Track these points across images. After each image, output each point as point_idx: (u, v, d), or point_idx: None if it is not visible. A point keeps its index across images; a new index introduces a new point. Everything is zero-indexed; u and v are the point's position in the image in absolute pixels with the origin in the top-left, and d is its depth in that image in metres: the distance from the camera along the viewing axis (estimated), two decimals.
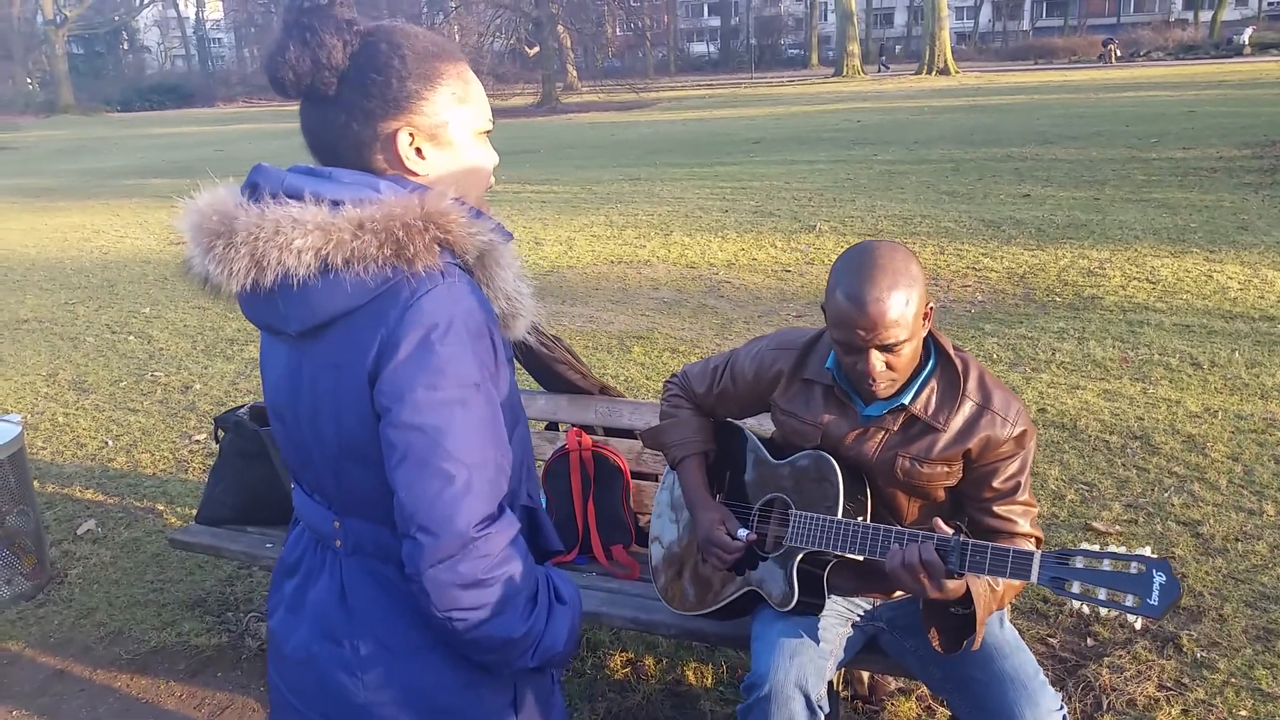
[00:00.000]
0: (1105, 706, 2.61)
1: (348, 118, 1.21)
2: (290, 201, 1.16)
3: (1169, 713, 2.57)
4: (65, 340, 6.86)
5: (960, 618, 1.80)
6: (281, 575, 1.42)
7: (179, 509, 4.09)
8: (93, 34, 56.28)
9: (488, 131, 1.31)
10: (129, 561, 3.67)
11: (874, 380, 1.81)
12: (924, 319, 1.82)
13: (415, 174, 1.24)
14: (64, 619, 3.32)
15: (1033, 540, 1.91)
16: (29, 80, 54.30)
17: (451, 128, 1.25)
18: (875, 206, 10.16)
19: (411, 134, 1.22)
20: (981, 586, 1.77)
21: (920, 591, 1.71)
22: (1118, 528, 3.50)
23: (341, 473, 1.26)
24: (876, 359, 1.78)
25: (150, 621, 3.26)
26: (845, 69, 39.78)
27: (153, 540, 3.81)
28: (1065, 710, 1.87)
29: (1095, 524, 3.53)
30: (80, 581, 3.55)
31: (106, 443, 4.88)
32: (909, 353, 1.80)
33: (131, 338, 6.83)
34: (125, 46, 65.68)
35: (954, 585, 1.70)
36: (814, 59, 56.18)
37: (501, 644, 1.22)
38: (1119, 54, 43.17)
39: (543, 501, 1.59)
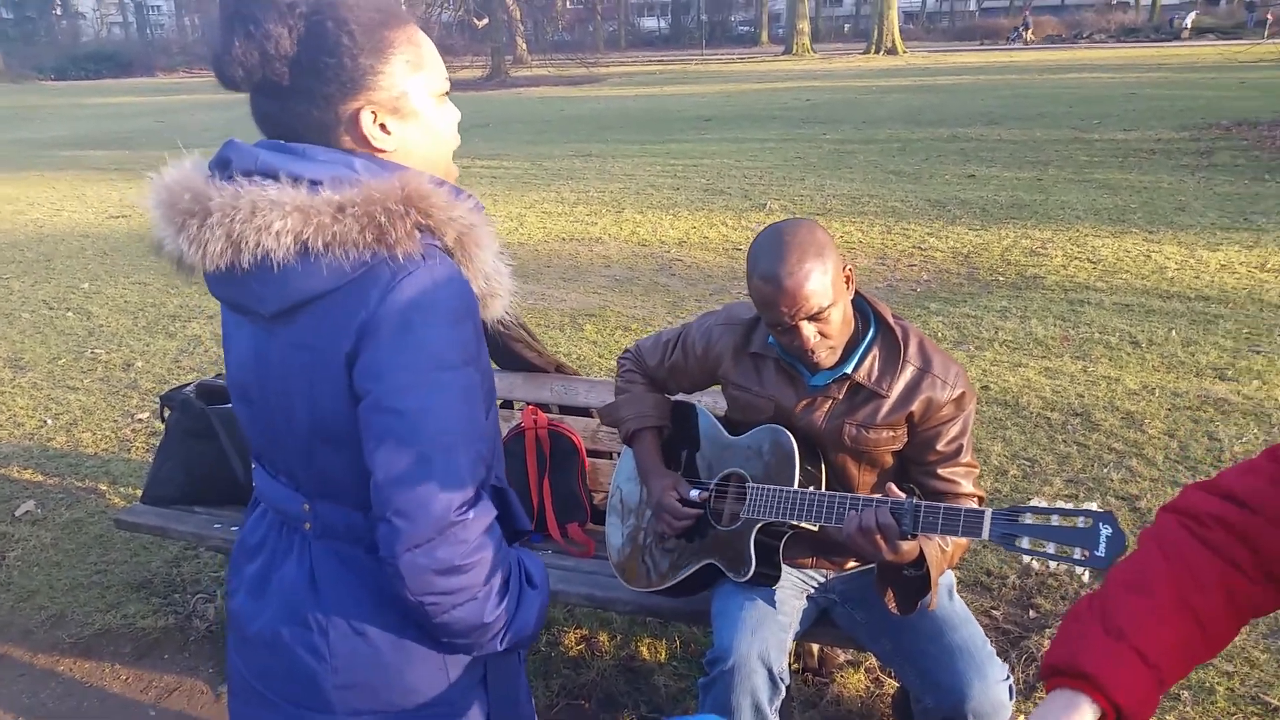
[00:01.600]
0: None
1: (307, 105, 1.18)
2: (266, 181, 1.14)
3: None
4: (0, 316, 6.67)
5: (914, 580, 1.85)
6: (242, 557, 1.40)
7: (122, 489, 4.02)
8: None
9: (446, 92, 1.28)
10: (70, 543, 3.59)
11: (812, 351, 1.85)
12: (846, 282, 1.87)
13: (382, 150, 1.22)
14: (2, 602, 3.25)
15: (975, 500, 1.98)
16: None
17: (412, 97, 1.22)
18: (824, 185, 10.23)
19: (374, 111, 1.20)
20: (933, 548, 1.83)
21: (876, 555, 1.75)
22: (1059, 503, 3.59)
23: (313, 455, 1.24)
24: (808, 330, 1.83)
25: (94, 604, 3.21)
26: (795, 47, 39.85)
27: (95, 521, 3.74)
28: (1011, 680, 1.93)
29: (1037, 499, 3.61)
30: (19, 564, 3.47)
31: (45, 421, 4.76)
32: (839, 318, 1.85)
33: (70, 314, 6.65)
34: (58, 12, 63.48)
35: (908, 547, 1.76)
36: (764, 36, 56.18)
37: (474, 629, 1.22)
38: (1032, 37, 43.73)
39: None
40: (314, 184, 1.14)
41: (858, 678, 2.72)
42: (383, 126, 1.21)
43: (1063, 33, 45.55)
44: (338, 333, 1.15)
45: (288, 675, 1.30)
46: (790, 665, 2.66)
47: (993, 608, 3.02)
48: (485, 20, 35.34)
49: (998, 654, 2.77)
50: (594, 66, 35.46)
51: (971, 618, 2.03)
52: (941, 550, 1.86)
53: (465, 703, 1.33)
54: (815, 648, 2.73)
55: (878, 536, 1.72)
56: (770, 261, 1.80)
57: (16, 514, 3.82)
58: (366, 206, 1.12)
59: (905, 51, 37.01)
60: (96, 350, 5.82)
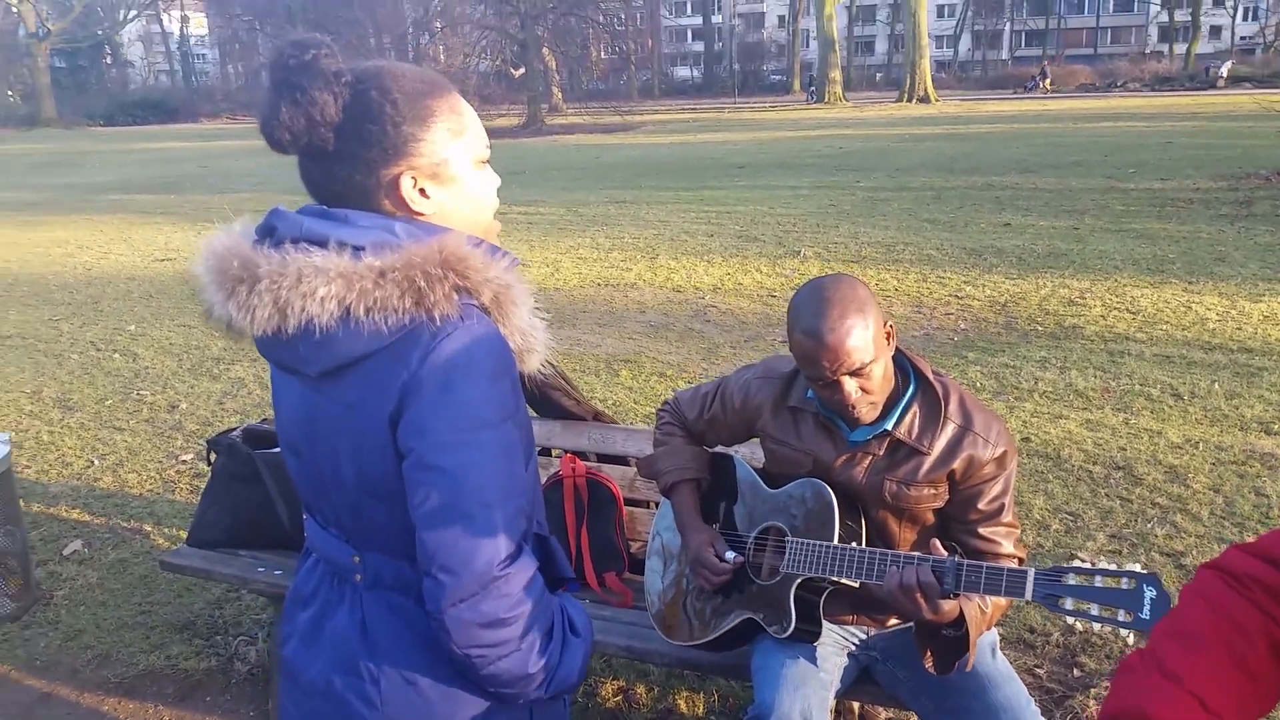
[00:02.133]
0: None
1: (350, 169, 1.22)
2: (311, 248, 1.18)
3: None
4: (49, 357, 6.82)
5: (953, 640, 1.84)
6: (295, 605, 1.43)
7: (166, 530, 4.08)
8: (76, 48, 56.02)
9: (485, 159, 1.32)
10: (116, 583, 3.65)
11: (853, 406, 1.86)
12: (887, 338, 1.88)
13: (422, 214, 1.26)
14: (50, 641, 3.30)
15: (1016, 560, 1.96)
16: (10, 93, 53.98)
17: (452, 163, 1.26)
18: (859, 233, 10.26)
19: (414, 177, 1.23)
20: (973, 608, 1.82)
21: (916, 613, 1.75)
22: (1102, 559, 3.54)
23: (361, 508, 1.28)
24: (850, 385, 1.84)
25: (138, 644, 3.25)
26: (827, 95, 40.16)
27: (140, 561, 3.79)
28: None
29: (1080, 555, 3.57)
30: (67, 603, 3.53)
31: (92, 462, 4.85)
32: (880, 374, 1.86)
33: (117, 355, 6.79)
34: (109, 60, 65.44)
35: (948, 607, 1.75)
36: (796, 85, 56.71)
37: (519, 679, 1.24)
38: (1050, 86, 43.75)
39: None
40: (357, 250, 1.18)
41: None
42: (422, 191, 1.25)
43: (1096, 82, 45.57)
44: (381, 392, 1.19)
45: None
46: None
47: (1036, 666, 2.98)
48: (522, 70, 36.01)
49: (1041, 713, 2.74)
50: (628, 115, 35.94)
51: (1014, 675, 2.02)
52: (981, 611, 1.84)
53: None
54: (856, 705, 2.70)
55: (918, 595, 1.72)
56: (812, 317, 1.82)
57: (64, 553, 3.89)
58: (407, 271, 1.16)
59: (938, 100, 37.19)
60: (142, 392, 5.94)
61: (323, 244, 1.18)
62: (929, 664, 1.85)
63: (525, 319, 1.29)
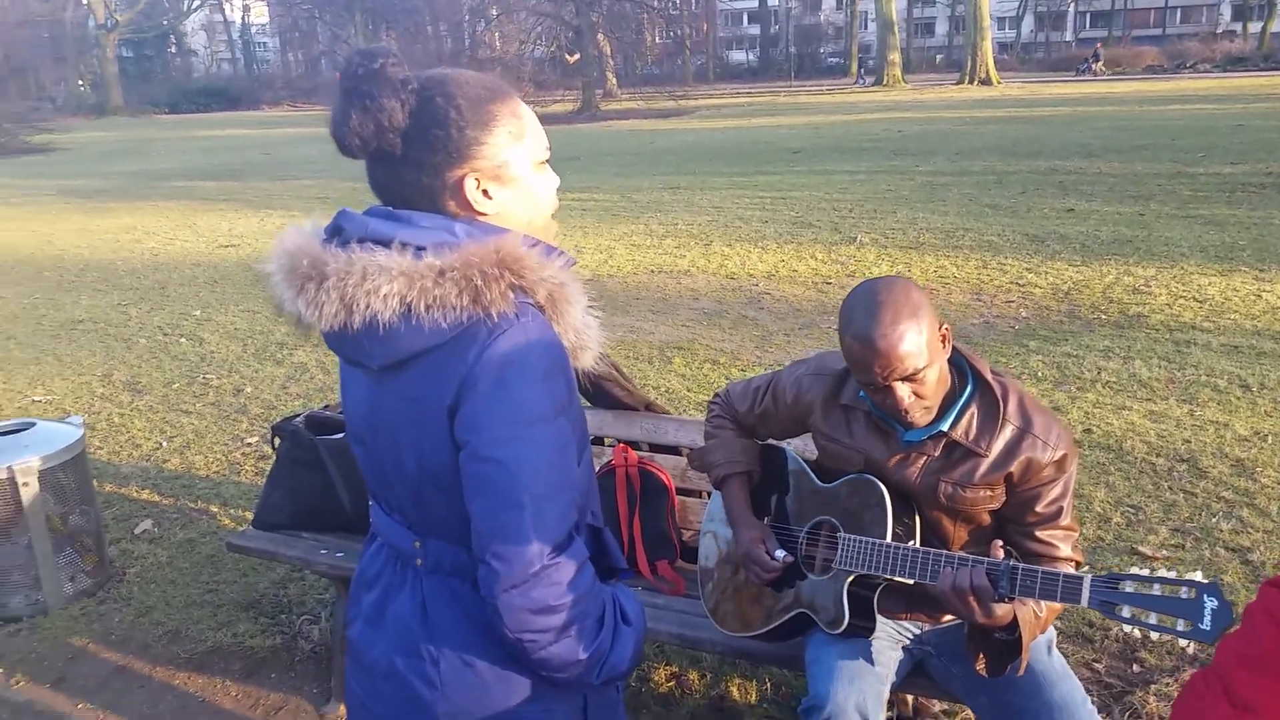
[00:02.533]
0: None
1: (417, 173, 1.28)
2: (376, 248, 1.23)
3: None
4: (119, 341, 7.03)
5: (1004, 643, 1.83)
6: (360, 588, 1.48)
7: (232, 511, 4.19)
8: (142, 38, 57.27)
9: (545, 160, 1.37)
10: (185, 562, 3.77)
11: (906, 411, 1.84)
12: (942, 341, 1.86)
13: (484, 214, 1.31)
14: (124, 617, 3.42)
15: (1073, 565, 1.93)
16: (80, 83, 55.47)
17: (513, 165, 1.31)
18: (917, 219, 10.13)
19: (477, 179, 1.29)
20: (1027, 612, 1.79)
21: (969, 616, 1.74)
22: (1164, 552, 3.49)
23: (422, 497, 1.33)
24: (903, 390, 1.82)
25: (206, 621, 3.35)
26: (886, 78, 39.60)
27: (207, 541, 3.91)
28: None
29: (1141, 548, 3.51)
30: (138, 580, 3.65)
31: (161, 444, 5.00)
32: (934, 378, 1.83)
33: (183, 340, 6.98)
34: (173, 50, 66.84)
35: (1002, 611, 1.73)
36: (854, 68, 55.96)
37: (569, 664, 1.28)
38: (1102, 68, 42.48)
39: None
40: (419, 250, 1.23)
41: None
42: (485, 192, 1.30)
43: (1163, 63, 44.23)
44: (440, 386, 1.24)
45: (401, 701, 1.38)
46: (885, 716, 2.63)
47: (1094, 660, 2.94)
48: (577, 56, 36.04)
49: (1099, 710, 2.70)
50: (682, 99, 35.82)
51: (1070, 673, 1.99)
52: (1035, 615, 1.82)
53: None
54: (910, 697, 2.70)
55: (971, 598, 1.70)
56: (864, 322, 1.80)
57: (136, 532, 4.02)
58: (465, 270, 1.21)
59: (1000, 82, 36.46)
60: (208, 375, 6.10)
61: (387, 244, 1.24)
62: (980, 667, 1.83)
63: (579, 317, 1.33)
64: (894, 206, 10.99)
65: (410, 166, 1.27)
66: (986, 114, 23.34)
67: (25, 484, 3.33)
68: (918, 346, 1.78)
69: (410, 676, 1.36)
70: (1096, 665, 2.92)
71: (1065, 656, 2.92)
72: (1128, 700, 2.73)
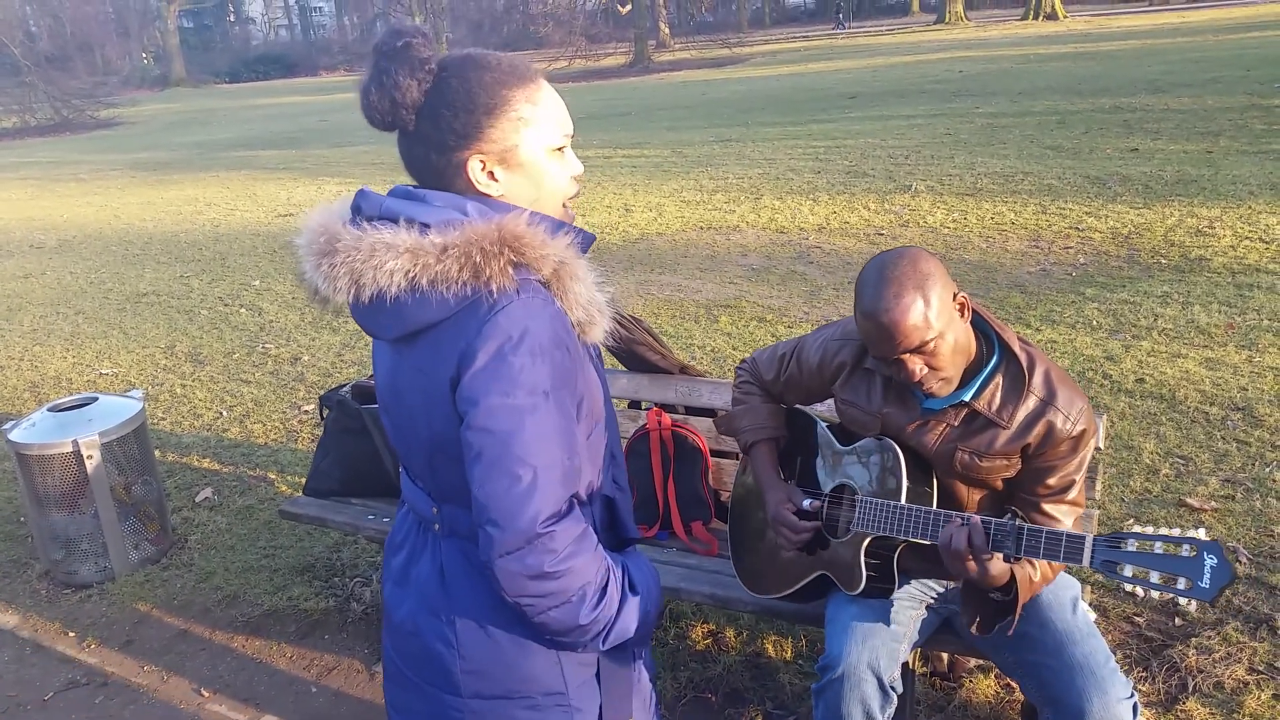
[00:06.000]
0: (1191, 689, 2.59)
1: (426, 149, 1.33)
2: (385, 225, 1.29)
3: (1259, 697, 2.53)
4: (181, 313, 7.25)
5: (999, 603, 1.84)
6: (390, 550, 1.57)
7: (289, 477, 4.33)
8: (201, 8, 58.09)
9: (561, 148, 1.39)
10: (243, 528, 3.92)
11: (921, 383, 1.84)
12: (960, 310, 1.84)
13: (490, 195, 1.35)
14: (185, 582, 3.58)
15: None
16: (144, 55, 56.54)
17: (521, 150, 1.35)
18: (975, 163, 9.90)
19: (482, 160, 1.33)
20: (1024, 574, 1.82)
21: (965, 574, 1.76)
22: (1214, 504, 3.42)
23: (435, 465, 1.39)
24: (914, 363, 1.81)
25: (263, 585, 3.49)
26: (948, 15, 38.41)
27: (265, 508, 4.06)
28: (1136, 698, 1.88)
29: (1189, 499, 3.45)
30: (199, 547, 3.81)
31: (221, 413, 5.17)
32: (947, 349, 1.81)
33: (243, 310, 7.17)
34: (232, 19, 67.65)
35: (998, 570, 1.75)
36: (915, 5, 54.31)
37: (570, 629, 1.33)
38: None
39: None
40: (424, 227, 1.28)
41: (987, 683, 2.68)
42: (491, 174, 1.35)
43: None
44: (445, 359, 1.29)
45: (424, 659, 1.45)
46: (919, 670, 2.65)
47: (1135, 614, 2.92)
48: (629, 6, 35.57)
49: (1136, 663, 2.70)
50: (737, 47, 35.19)
51: (1095, 631, 1.99)
52: (1031, 579, 1.84)
53: (579, 694, 1.44)
54: (944, 654, 2.71)
55: (968, 557, 1.73)
56: (870, 296, 1.80)
57: (197, 500, 4.18)
58: (465, 247, 1.26)
59: (1066, 16, 35.10)
60: (267, 345, 6.27)
61: (396, 221, 1.29)
62: (973, 626, 1.86)
63: (586, 293, 1.36)
64: (952, 151, 10.74)
65: (421, 143, 1.33)
66: (1051, 50, 22.54)
67: (89, 456, 3.48)
68: (924, 319, 1.77)
69: (430, 635, 1.43)
70: (1137, 619, 2.89)
71: (1106, 610, 2.92)
72: (1166, 654, 2.71)
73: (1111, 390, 4.40)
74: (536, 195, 1.38)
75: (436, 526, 1.44)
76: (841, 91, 18.28)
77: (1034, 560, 1.78)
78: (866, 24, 47.05)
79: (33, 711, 2.98)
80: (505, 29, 45.66)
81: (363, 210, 1.34)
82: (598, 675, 1.46)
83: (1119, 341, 4.95)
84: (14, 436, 3.52)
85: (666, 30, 41.34)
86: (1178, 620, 2.86)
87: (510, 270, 1.27)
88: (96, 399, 3.70)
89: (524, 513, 1.24)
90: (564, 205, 1.42)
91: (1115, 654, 2.72)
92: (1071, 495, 1.91)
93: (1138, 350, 4.82)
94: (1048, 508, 1.91)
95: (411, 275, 1.26)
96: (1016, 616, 1.81)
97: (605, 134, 15.22)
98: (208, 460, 4.60)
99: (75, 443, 3.47)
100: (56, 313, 7.61)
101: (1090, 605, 2.89)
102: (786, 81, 22.09)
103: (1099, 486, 2.50)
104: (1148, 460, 3.76)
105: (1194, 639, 2.76)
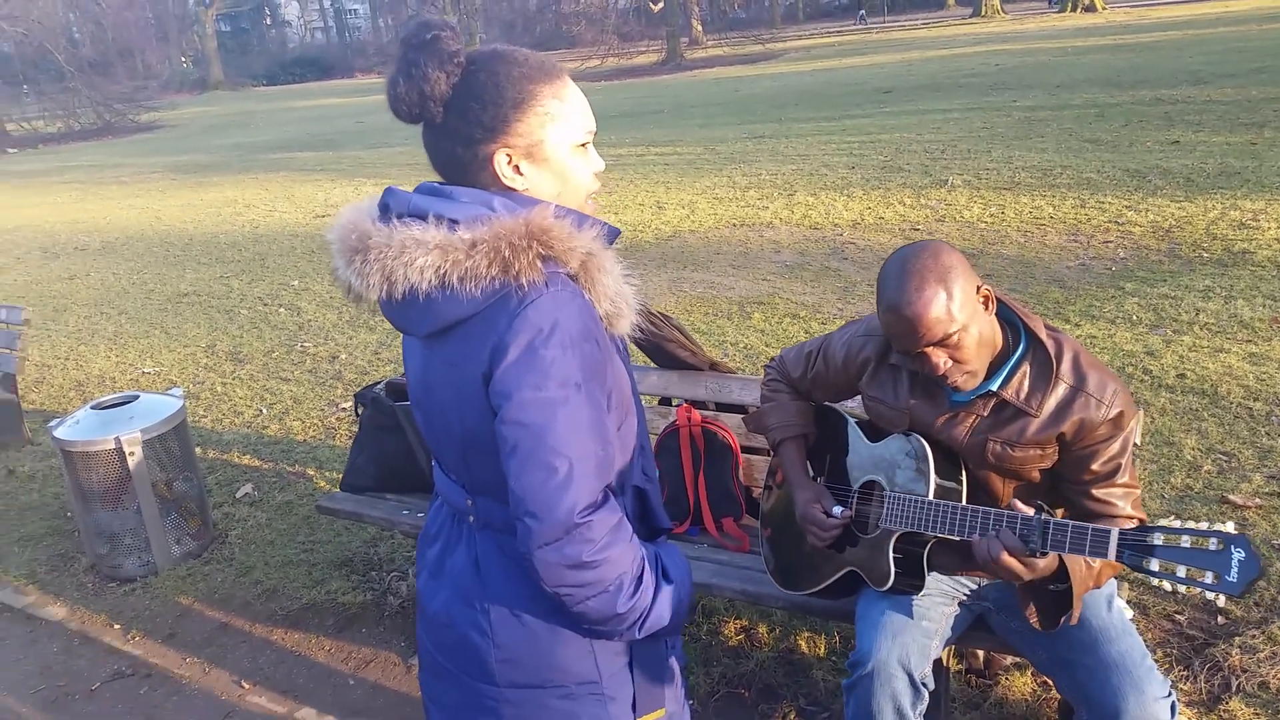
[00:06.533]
0: (1234, 688, 2.55)
1: (453, 142, 1.35)
2: (414, 222, 1.30)
3: None
4: (222, 313, 7.36)
5: (1058, 594, 1.81)
6: (424, 543, 1.59)
7: (327, 474, 4.39)
8: (238, 11, 58.92)
9: (585, 144, 1.41)
10: (282, 523, 3.97)
11: (945, 376, 1.83)
12: (984, 303, 1.83)
13: (514, 189, 1.36)
14: (226, 576, 3.64)
15: (1135, 522, 1.89)
16: (183, 59, 57.43)
17: (547, 145, 1.36)
18: (1012, 157, 9.78)
19: (508, 155, 1.35)
20: (1078, 564, 1.78)
21: (1015, 579, 1.74)
22: (1257, 501, 3.36)
23: (468, 458, 1.40)
24: (937, 356, 1.81)
25: (302, 580, 3.54)
26: (984, 8, 37.98)
27: (304, 504, 4.11)
28: (1174, 697, 1.85)
29: (1232, 497, 3.39)
30: (239, 542, 3.87)
31: (261, 410, 5.24)
32: (971, 341, 1.80)
33: (282, 309, 7.26)
34: (268, 22, 68.53)
35: (1044, 563, 1.73)
36: None
37: (608, 618, 1.34)
38: None
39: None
40: (453, 223, 1.29)
41: (1023, 681, 2.66)
42: (516, 168, 1.36)
43: None
44: (477, 353, 1.30)
45: (459, 649, 1.47)
46: (954, 667, 2.64)
47: (1177, 612, 2.87)
48: (660, 4, 35.54)
49: (1178, 662, 2.66)
50: (770, 43, 35.05)
51: (1131, 629, 1.96)
52: (1088, 565, 1.79)
53: (612, 683, 1.45)
54: (980, 651, 2.69)
55: (1011, 563, 1.71)
56: (891, 290, 1.80)
57: (237, 495, 4.25)
58: (494, 242, 1.27)
59: (1105, 8, 34.56)
60: (305, 344, 6.35)
61: (424, 218, 1.31)
62: (1033, 620, 1.83)
63: (613, 285, 1.37)
64: (988, 145, 10.62)
65: (448, 136, 1.34)
66: (1089, 43, 22.21)
67: (132, 453, 3.55)
68: (945, 312, 1.76)
69: (465, 626, 1.45)
70: (1179, 617, 2.85)
71: (1146, 608, 2.88)
72: (1209, 653, 2.67)
73: (1152, 386, 4.33)
74: (560, 190, 1.39)
75: (471, 518, 1.45)
76: (876, 86, 18.14)
77: None
78: (901, 18, 46.67)
79: (81, 701, 3.04)
80: (538, 28, 45.80)
81: (391, 208, 1.35)
82: (630, 664, 1.47)
83: (1159, 336, 4.88)
84: (59, 434, 3.60)
85: (699, 27, 41.27)
86: (1220, 619, 2.82)
87: (539, 264, 1.28)
88: (138, 397, 3.77)
89: (561, 504, 1.26)
90: (586, 200, 1.43)
91: (1155, 652, 2.69)
92: (1121, 479, 1.88)
93: (1179, 345, 4.74)
94: (1099, 493, 1.89)
95: (442, 271, 1.27)
96: (1077, 608, 1.78)
97: (638, 132, 15.23)
98: (248, 457, 4.67)
99: (118, 440, 3.54)
100: (100, 313, 7.77)
101: (1130, 603, 2.86)
102: (820, 77, 21.96)
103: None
104: (1189, 457, 3.71)
105: (1237, 638, 2.71)
